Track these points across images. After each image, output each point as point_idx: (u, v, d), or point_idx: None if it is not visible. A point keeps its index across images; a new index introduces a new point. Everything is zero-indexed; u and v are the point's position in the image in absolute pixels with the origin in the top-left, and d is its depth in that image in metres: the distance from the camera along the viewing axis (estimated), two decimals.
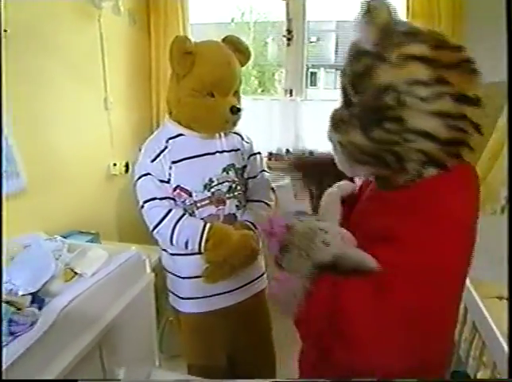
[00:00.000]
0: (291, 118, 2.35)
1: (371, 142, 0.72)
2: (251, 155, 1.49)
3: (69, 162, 1.75)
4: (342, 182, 0.97)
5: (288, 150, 2.38)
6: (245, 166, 1.45)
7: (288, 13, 2.38)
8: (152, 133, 2.15)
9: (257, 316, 1.59)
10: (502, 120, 1.63)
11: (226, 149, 1.40)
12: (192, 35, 2.34)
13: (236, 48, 1.34)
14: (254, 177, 1.49)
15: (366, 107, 0.71)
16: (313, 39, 4.36)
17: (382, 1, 0.69)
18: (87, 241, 1.60)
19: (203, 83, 1.26)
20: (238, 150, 1.44)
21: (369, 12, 0.68)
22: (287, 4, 2.36)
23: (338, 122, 0.77)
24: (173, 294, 1.47)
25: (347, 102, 0.76)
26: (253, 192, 1.48)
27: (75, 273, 1.25)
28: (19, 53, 1.47)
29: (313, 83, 4.84)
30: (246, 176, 1.46)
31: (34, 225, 1.50)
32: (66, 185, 1.73)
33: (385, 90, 0.68)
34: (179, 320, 1.53)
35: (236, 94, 1.36)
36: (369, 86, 0.70)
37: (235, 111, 1.31)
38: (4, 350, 0.90)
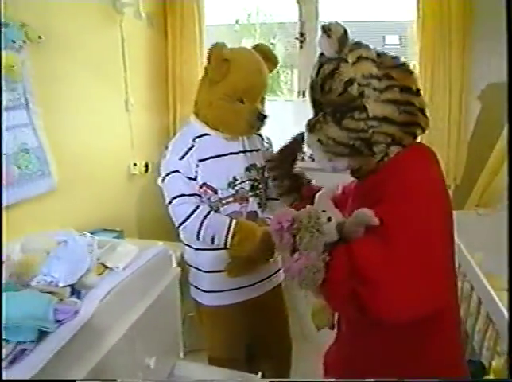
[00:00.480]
0: (304, 119, 2.40)
1: (344, 132, 0.89)
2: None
3: (92, 162, 1.82)
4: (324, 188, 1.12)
5: None
6: (265, 166, 1.50)
7: (301, 15, 2.44)
8: (169, 134, 2.24)
9: (276, 309, 1.65)
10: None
11: (249, 149, 1.46)
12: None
13: (266, 56, 1.41)
14: None
15: (335, 102, 0.90)
16: None
17: (336, 22, 0.89)
18: (112, 238, 1.67)
19: (236, 90, 1.33)
20: (259, 150, 1.50)
21: (329, 30, 0.87)
22: (300, 6, 2.42)
23: (314, 124, 0.95)
24: (195, 287, 1.54)
25: (317, 107, 0.95)
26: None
27: (106, 267, 1.32)
28: (50, 57, 1.54)
29: None
30: (266, 175, 1.51)
31: (64, 222, 1.57)
32: (90, 184, 1.80)
33: (349, 84, 0.87)
34: (200, 313, 1.60)
35: (262, 100, 1.43)
36: (335, 84, 0.88)
37: (261, 117, 1.39)
38: (51, 336, 0.97)
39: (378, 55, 0.90)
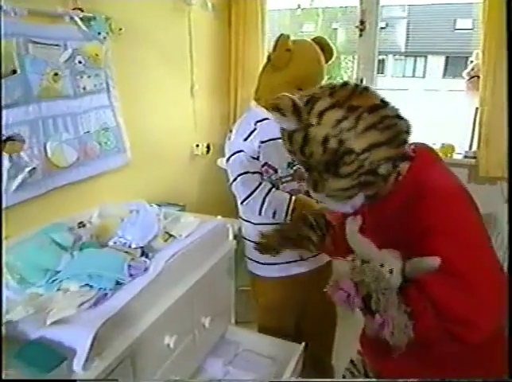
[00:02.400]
0: None
1: (346, 178, 0.90)
2: None
3: (160, 142, 2.00)
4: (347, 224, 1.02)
5: None
6: None
7: (361, 2, 2.45)
8: (230, 117, 2.38)
9: (325, 284, 1.74)
10: None
11: None
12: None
13: (323, 47, 1.51)
14: None
15: (322, 161, 0.91)
16: (382, 25, 4.31)
17: (282, 94, 0.91)
18: (176, 211, 1.84)
19: (295, 78, 1.43)
20: None
21: (279, 109, 0.90)
22: None
23: (316, 184, 0.97)
24: (252, 260, 1.66)
25: (308, 167, 0.96)
26: None
27: (170, 235, 1.48)
28: (127, 47, 1.71)
29: (380, 70, 4.78)
30: None
31: (134, 194, 1.76)
32: (158, 162, 1.99)
33: (326, 142, 0.88)
34: (255, 284, 1.73)
35: None
36: (314, 148, 0.90)
37: None
38: (125, 286, 1.14)
39: (331, 94, 0.89)
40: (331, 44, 1.55)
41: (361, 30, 2.48)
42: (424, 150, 0.98)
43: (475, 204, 0.93)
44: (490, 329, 0.86)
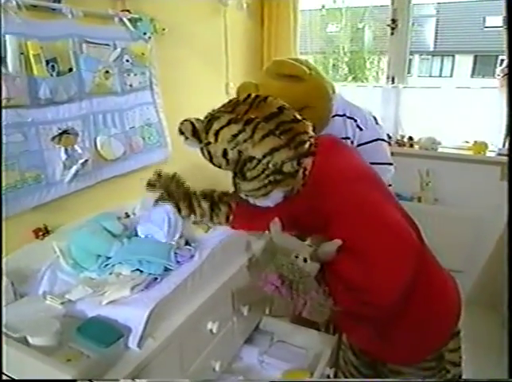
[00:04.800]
0: (392, 105, 2.46)
1: (254, 181, 1.06)
2: (360, 144, 1.49)
3: None
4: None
5: (389, 136, 2.47)
6: None
7: (393, 1, 2.46)
8: None
9: None
10: None
11: None
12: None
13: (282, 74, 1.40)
14: None
15: (230, 170, 1.10)
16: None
17: (184, 119, 1.12)
18: None
19: None
20: (347, 138, 1.48)
21: (182, 133, 1.13)
22: None
23: (235, 185, 1.16)
24: None
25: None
26: None
27: (209, 227, 1.54)
28: (168, 46, 1.79)
29: (407, 70, 4.75)
30: None
31: None
32: (194, 157, 2.04)
33: (225, 154, 1.06)
34: None
35: None
36: (219, 161, 1.09)
37: None
38: (173, 272, 1.20)
39: (232, 111, 1.05)
40: (291, 68, 1.39)
41: (392, 29, 2.49)
42: (326, 142, 1.12)
43: (378, 181, 1.11)
44: (394, 292, 0.97)
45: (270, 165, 1.03)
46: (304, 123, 1.09)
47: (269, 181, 1.05)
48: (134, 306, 1.06)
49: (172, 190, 1.37)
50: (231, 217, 1.35)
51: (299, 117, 1.08)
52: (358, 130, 1.50)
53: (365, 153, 1.43)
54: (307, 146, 1.06)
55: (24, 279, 1.19)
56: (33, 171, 1.27)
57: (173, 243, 1.30)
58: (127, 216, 1.51)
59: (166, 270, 1.21)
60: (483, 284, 2.46)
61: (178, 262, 1.24)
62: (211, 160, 1.12)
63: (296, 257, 1.05)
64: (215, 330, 1.31)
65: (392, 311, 1.05)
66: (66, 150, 1.34)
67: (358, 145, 1.50)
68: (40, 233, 1.33)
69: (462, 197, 2.42)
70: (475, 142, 2.36)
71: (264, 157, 1.02)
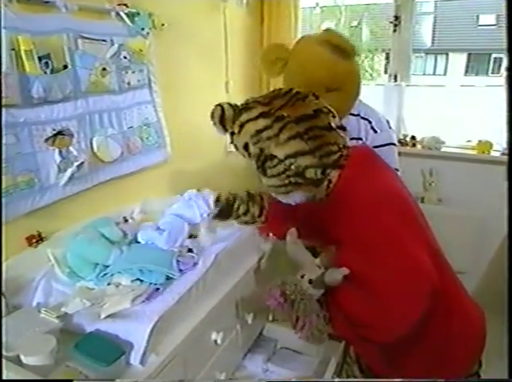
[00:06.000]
0: (394, 103, 2.41)
1: (273, 178, 1.01)
2: (375, 146, 1.39)
3: (197, 138, 2.00)
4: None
5: None
6: None
7: None
8: None
9: None
10: None
11: None
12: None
13: (336, 47, 1.28)
14: None
15: (252, 161, 1.03)
16: None
17: (218, 103, 1.04)
18: None
19: (294, 85, 1.26)
20: (360, 139, 1.43)
21: (212, 118, 1.04)
22: None
23: (259, 177, 1.08)
24: None
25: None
26: None
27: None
28: (167, 42, 1.71)
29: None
30: None
31: (173, 190, 1.77)
32: (193, 158, 1.99)
33: (247, 148, 1.01)
34: None
35: (335, 91, 1.31)
36: (241, 152, 1.04)
37: None
38: (176, 282, 1.13)
39: (268, 103, 0.99)
40: (345, 41, 1.29)
41: (395, 26, 2.44)
42: (360, 155, 1.06)
43: (409, 205, 1.03)
44: (398, 330, 0.93)
45: (293, 167, 0.97)
46: (338, 134, 1.01)
47: (289, 182, 1.00)
48: (136, 320, 0.99)
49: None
50: (262, 218, 1.31)
51: (334, 125, 1.01)
52: (372, 132, 1.45)
53: None
54: (335, 157, 0.99)
55: (16, 290, 1.12)
56: (26, 175, 1.20)
57: (175, 250, 1.23)
58: (126, 220, 1.44)
59: (168, 278, 1.15)
60: (487, 285, 2.42)
61: (181, 270, 1.18)
62: (236, 148, 1.07)
63: (302, 277, 1.02)
64: (219, 341, 1.25)
65: (398, 342, 1.00)
66: (60, 151, 1.27)
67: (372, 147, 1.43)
68: (34, 240, 1.26)
69: (466, 198, 2.38)
70: (480, 141, 2.32)
71: (286, 158, 0.96)
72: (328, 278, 0.99)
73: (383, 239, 0.93)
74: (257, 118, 0.98)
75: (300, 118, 0.97)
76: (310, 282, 1.00)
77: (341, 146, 1.00)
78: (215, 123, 1.04)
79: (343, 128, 1.05)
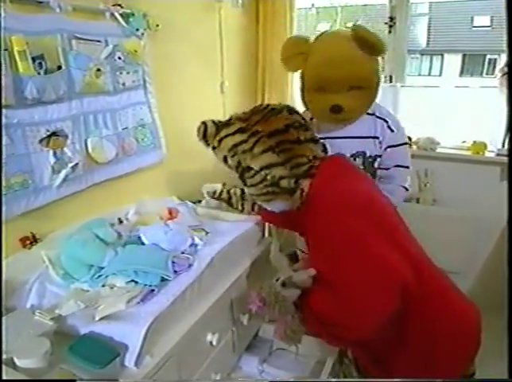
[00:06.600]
0: (389, 104, 2.41)
1: (252, 188, 1.11)
2: (390, 146, 1.45)
3: (192, 139, 1.98)
4: None
5: None
6: (379, 156, 1.45)
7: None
8: None
9: None
10: None
11: (357, 135, 1.41)
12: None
13: (360, 42, 1.26)
14: (386, 169, 1.48)
15: (235, 172, 1.13)
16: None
17: (204, 121, 1.17)
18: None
19: (311, 81, 1.35)
20: (376, 138, 1.42)
21: (197, 133, 1.19)
22: None
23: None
24: None
25: None
26: (379, 184, 1.43)
27: (207, 232, 1.47)
28: (162, 43, 1.71)
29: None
30: (376, 165, 1.46)
31: (169, 191, 1.77)
32: (189, 158, 1.98)
33: (226, 160, 1.12)
34: None
35: (356, 89, 1.31)
36: (222, 163, 1.14)
37: (335, 109, 1.30)
38: (171, 283, 1.13)
39: (247, 118, 1.09)
40: (372, 37, 1.26)
41: (390, 27, 2.44)
42: (332, 164, 1.12)
43: (383, 211, 1.07)
44: (367, 326, 0.96)
45: (268, 177, 1.06)
46: (307, 146, 1.09)
47: (267, 191, 1.09)
48: (131, 322, 0.99)
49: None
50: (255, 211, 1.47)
51: (303, 138, 1.09)
52: (389, 131, 1.44)
53: (395, 156, 1.47)
54: (304, 168, 1.07)
55: (10, 292, 1.11)
56: (20, 176, 1.19)
57: (170, 251, 1.23)
58: (120, 222, 1.43)
59: (163, 280, 1.14)
60: (482, 285, 2.43)
61: (176, 271, 1.18)
62: (219, 161, 1.17)
63: (277, 280, 1.07)
64: (214, 342, 1.25)
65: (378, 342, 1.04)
66: (55, 152, 1.26)
67: (389, 146, 1.45)
68: (28, 242, 1.25)
69: (461, 198, 2.39)
70: (474, 142, 2.33)
71: (261, 169, 1.06)
72: (296, 278, 1.05)
73: (347, 239, 0.97)
74: (234, 133, 1.08)
75: (273, 132, 1.05)
76: (283, 284, 1.06)
77: (310, 157, 1.09)
78: (199, 139, 1.16)
79: (315, 140, 1.13)
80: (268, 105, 1.14)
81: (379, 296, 0.93)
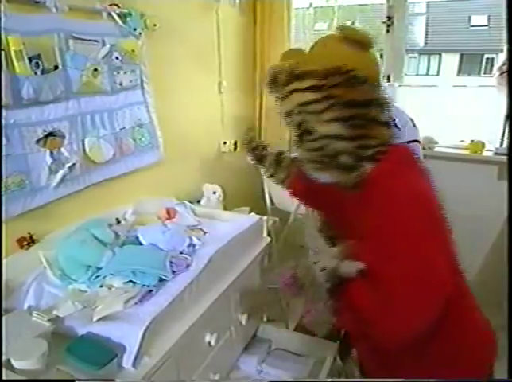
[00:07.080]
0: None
1: (306, 152, 0.98)
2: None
3: (190, 139, 1.99)
4: None
5: None
6: None
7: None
8: (255, 115, 2.37)
9: None
10: None
11: None
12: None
13: (351, 41, 1.31)
14: None
15: (294, 130, 0.98)
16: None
17: (280, 63, 0.98)
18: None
19: None
20: None
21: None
22: None
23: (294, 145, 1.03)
24: None
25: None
26: None
27: (205, 232, 1.47)
28: (159, 43, 1.71)
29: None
30: None
31: (166, 191, 1.76)
32: (187, 158, 1.98)
33: (288, 115, 0.96)
34: None
35: None
36: (283, 117, 0.98)
37: None
38: (169, 283, 1.13)
39: (327, 76, 0.93)
40: (359, 34, 1.31)
41: (388, 26, 2.44)
42: (398, 154, 1.00)
43: (437, 213, 0.94)
44: (402, 332, 0.87)
45: (329, 148, 0.94)
46: (380, 129, 0.97)
47: (322, 161, 0.97)
48: (128, 322, 0.98)
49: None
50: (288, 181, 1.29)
51: (380, 119, 0.96)
52: (396, 129, 1.45)
53: None
54: (371, 151, 0.95)
55: (7, 293, 1.10)
56: (17, 176, 1.18)
57: (168, 251, 1.23)
58: (118, 222, 1.43)
59: (161, 280, 1.14)
60: (481, 285, 2.43)
61: (174, 272, 1.17)
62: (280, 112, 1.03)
63: (315, 263, 0.97)
64: (213, 342, 1.25)
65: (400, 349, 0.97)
66: (52, 153, 1.26)
67: None
68: (25, 242, 1.25)
69: (459, 197, 2.38)
70: (472, 141, 2.33)
71: (324, 137, 0.94)
72: (343, 270, 0.95)
73: (406, 239, 0.89)
74: (308, 89, 0.94)
75: (349, 103, 0.92)
76: (323, 270, 0.96)
77: (380, 141, 0.96)
78: (267, 84, 0.98)
79: (389, 125, 1.00)
80: (352, 69, 0.97)
81: (424, 303, 0.86)
